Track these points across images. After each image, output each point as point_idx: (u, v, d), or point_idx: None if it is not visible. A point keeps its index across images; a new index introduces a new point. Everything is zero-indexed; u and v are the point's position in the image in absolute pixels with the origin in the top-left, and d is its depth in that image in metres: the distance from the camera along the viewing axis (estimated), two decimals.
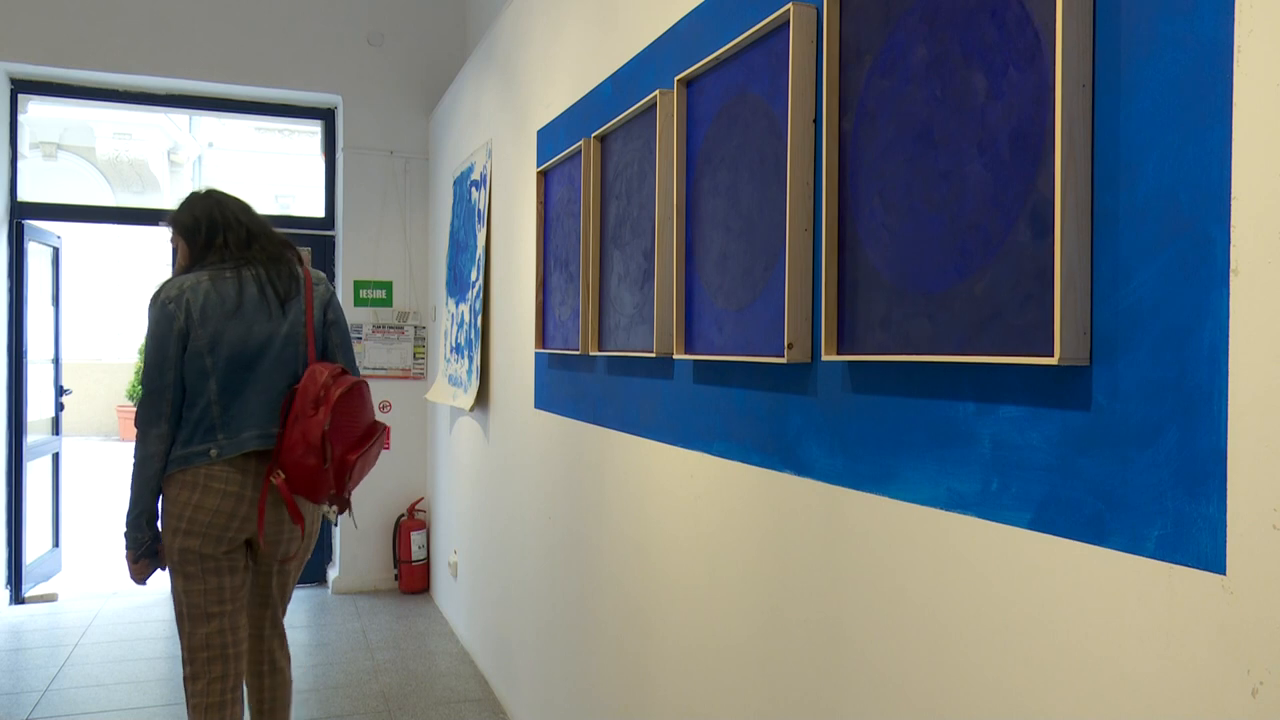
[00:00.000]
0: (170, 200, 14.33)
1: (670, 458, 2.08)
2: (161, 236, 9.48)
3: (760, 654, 1.69)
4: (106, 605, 4.91)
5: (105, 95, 5.13)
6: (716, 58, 1.80)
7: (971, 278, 1.14)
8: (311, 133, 5.65)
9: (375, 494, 5.22)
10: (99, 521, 7.24)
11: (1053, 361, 0.99)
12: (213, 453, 2.35)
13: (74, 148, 13.67)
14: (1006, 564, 1.10)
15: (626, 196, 2.32)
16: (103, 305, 14.03)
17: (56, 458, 5.56)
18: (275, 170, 14.94)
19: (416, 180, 5.31)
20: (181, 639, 2.39)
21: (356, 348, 5.17)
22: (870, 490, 1.36)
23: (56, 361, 5.56)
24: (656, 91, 2.08)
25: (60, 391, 5.62)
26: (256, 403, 2.41)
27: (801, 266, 1.51)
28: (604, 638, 2.51)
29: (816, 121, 1.49)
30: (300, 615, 4.80)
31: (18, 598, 4.92)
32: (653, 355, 2.08)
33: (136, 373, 13.41)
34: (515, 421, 3.44)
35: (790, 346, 1.51)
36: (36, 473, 5.23)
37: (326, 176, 5.47)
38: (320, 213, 5.49)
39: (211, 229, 2.52)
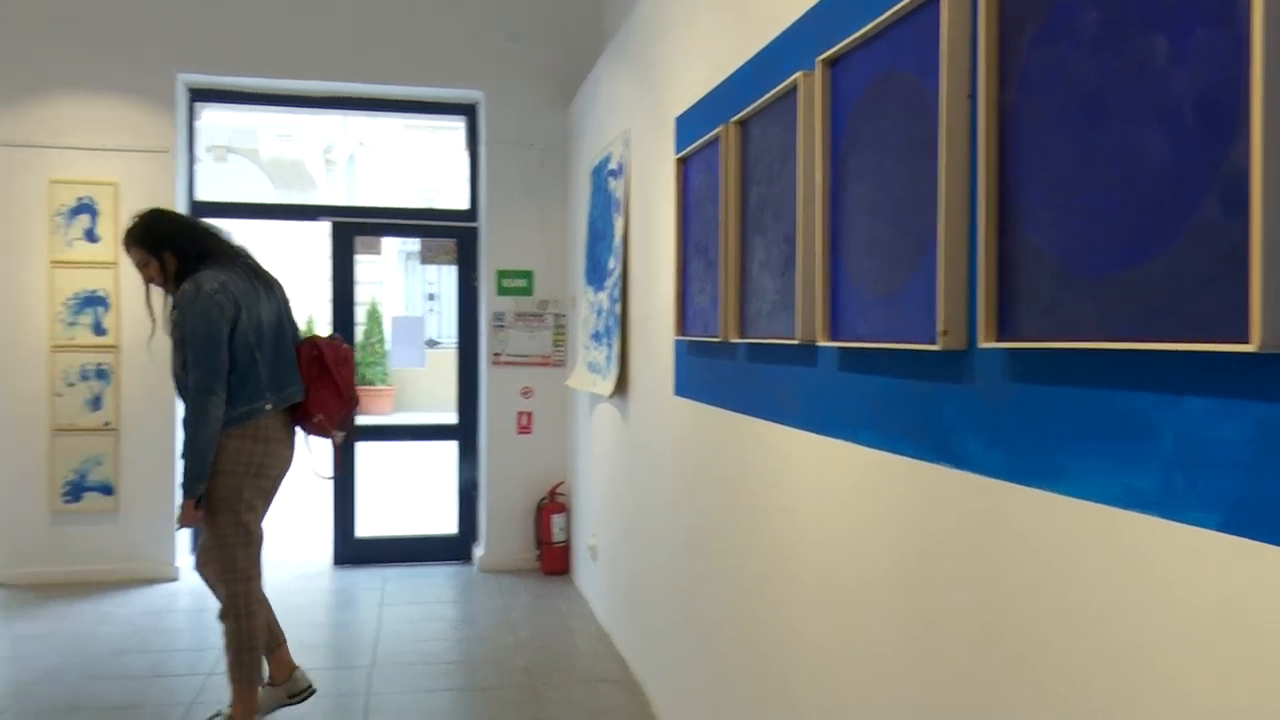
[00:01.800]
0: (326, 197, 15.11)
1: (813, 446, 2.04)
2: (307, 232, 9.96)
3: (910, 661, 1.64)
4: (275, 573, 5.23)
5: (269, 100, 5.45)
6: (861, 36, 1.74)
7: (1150, 259, 1.06)
8: (455, 128, 5.82)
9: (518, 477, 5.36)
10: None
11: (1250, 349, 0.91)
12: (267, 408, 3.01)
13: (241, 150, 14.60)
14: (1193, 567, 1.02)
15: (767, 181, 2.28)
16: None
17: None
18: (422, 165, 15.52)
19: (555, 171, 5.40)
20: (235, 563, 3.00)
21: (500, 335, 5.33)
22: (1034, 485, 1.29)
23: None
24: (798, 74, 2.03)
25: None
26: (285, 366, 3.11)
27: (955, 249, 1.44)
28: (738, 630, 2.50)
29: (972, 96, 1.42)
30: (447, 590, 4.99)
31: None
32: (795, 342, 2.04)
33: None
34: (654, 408, 3.46)
35: (944, 333, 1.45)
36: None
37: (470, 170, 5.63)
38: (464, 205, 5.66)
39: (195, 238, 3.13)
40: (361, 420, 5.63)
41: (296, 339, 3.23)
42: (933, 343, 1.48)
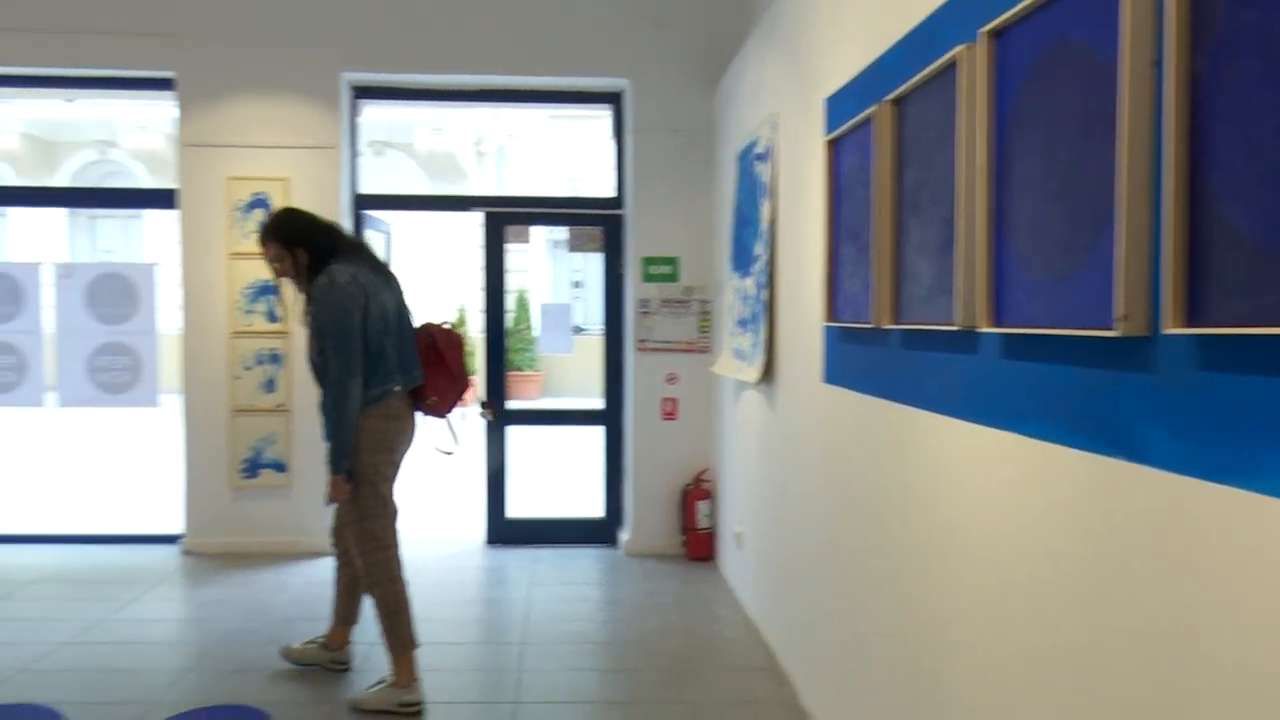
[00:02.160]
0: (477, 188, 15.61)
1: (973, 436, 1.96)
2: (458, 222, 10.28)
3: (1078, 663, 1.55)
4: (432, 550, 5.47)
5: (425, 95, 5.67)
6: (1029, 5, 1.65)
7: None
8: (600, 117, 5.89)
9: (663, 463, 5.41)
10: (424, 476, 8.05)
11: None
12: (396, 389, 3.27)
13: (398, 145, 15.26)
14: None
15: (924, 161, 2.20)
16: (422, 283, 15.57)
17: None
18: (568, 155, 15.80)
19: (700, 157, 5.39)
20: (375, 533, 3.25)
21: (645, 321, 5.38)
22: (1225, 482, 1.19)
23: None
24: (959, 48, 1.94)
25: None
26: (408, 351, 3.36)
27: (1136, 229, 1.35)
28: (890, 625, 2.43)
29: (1158, 64, 1.32)
30: (594, 573, 5.09)
31: None
32: (954, 328, 1.96)
33: None
34: (801, 395, 3.41)
35: (1123, 318, 1.36)
36: None
37: (616, 158, 5.69)
38: (609, 193, 5.73)
39: (326, 234, 3.39)
40: (511, 405, 5.81)
41: (413, 326, 3.46)
42: (1110, 328, 1.39)
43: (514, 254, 5.67)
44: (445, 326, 3.55)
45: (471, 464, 5.90)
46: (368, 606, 3.46)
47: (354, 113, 5.57)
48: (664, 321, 5.40)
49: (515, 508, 5.75)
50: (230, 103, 5.31)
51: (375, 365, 3.21)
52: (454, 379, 3.48)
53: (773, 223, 3.82)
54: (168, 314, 5.51)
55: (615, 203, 5.67)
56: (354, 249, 3.43)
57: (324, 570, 5.05)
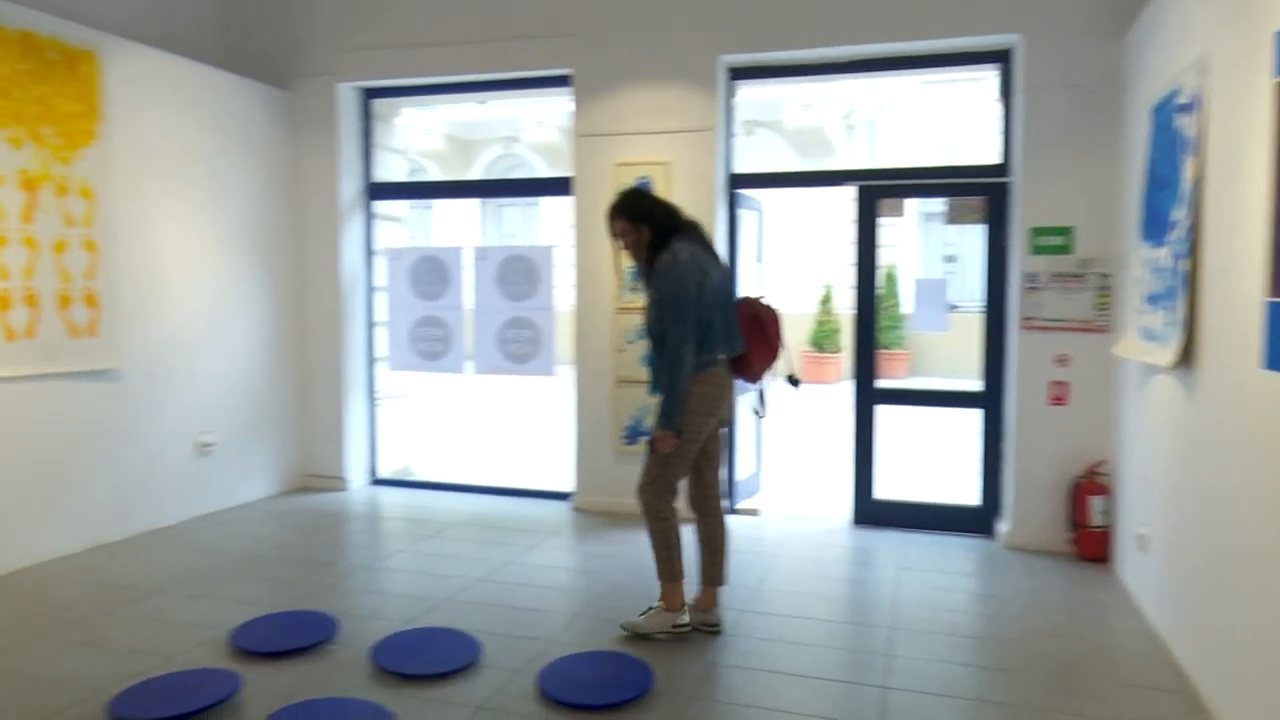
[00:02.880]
0: (845, 162, 15.38)
1: None
2: (824, 198, 10.09)
3: None
4: (798, 525, 5.52)
5: (798, 71, 5.64)
6: None
7: None
8: (978, 80, 5.49)
9: (1049, 452, 4.97)
10: (790, 453, 8.14)
11: None
12: (720, 358, 3.63)
13: (767, 123, 15.46)
14: None
15: None
16: (791, 261, 15.66)
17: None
18: (942, 122, 15.02)
19: (1102, 115, 4.82)
20: (668, 480, 3.64)
21: (1032, 297, 4.96)
22: None
23: None
24: None
25: None
26: (731, 323, 3.70)
27: None
28: None
29: None
30: (969, 563, 4.82)
31: (730, 508, 5.83)
32: None
33: (818, 323, 14.77)
34: (1232, 383, 2.93)
35: None
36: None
37: (1002, 121, 5.28)
38: (993, 159, 5.33)
39: (668, 214, 3.71)
40: (881, 384, 5.65)
41: (734, 300, 3.79)
42: None
43: (884, 229, 5.46)
44: (763, 300, 3.86)
45: (834, 440, 5.85)
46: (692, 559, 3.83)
47: (729, 94, 5.70)
48: (1054, 297, 4.93)
49: (883, 488, 5.60)
50: (618, 94, 5.67)
51: (704, 335, 3.55)
52: (770, 348, 3.80)
53: (1197, 182, 3.32)
54: (562, 292, 6.05)
55: (1000, 170, 5.27)
56: (690, 229, 3.71)
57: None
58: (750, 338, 3.77)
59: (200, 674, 3.30)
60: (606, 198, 5.65)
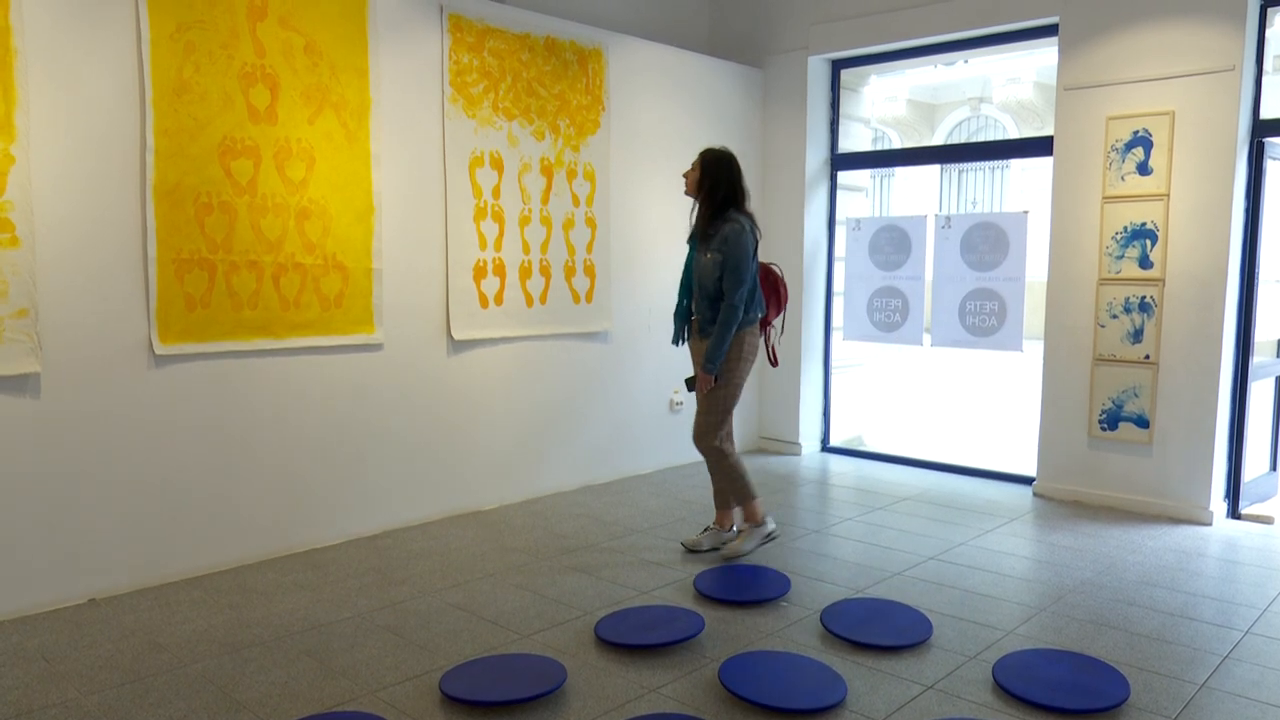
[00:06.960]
0: None
1: None
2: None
3: None
4: None
5: None
6: None
7: None
8: None
9: None
10: None
11: None
12: (759, 316, 4.25)
13: None
14: None
15: None
16: None
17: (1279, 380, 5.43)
18: None
19: None
20: (721, 422, 4.21)
21: None
22: None
23: None
24: None
25: None
26: (759, 289, 4.27)
27: None
28: None
29: None
30: None
31: (1234, 512, 5.03)
32: None
33: None
34: None
35: None
36: (1258, 394, 5.19)
37: None
38: None
39: (736, 186, 4.16)
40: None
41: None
42: None
43: None
44: (774, 265, 4.48)
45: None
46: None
47: (1263, 24, 4.80)
48: None
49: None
50: (1112, 38, 5.07)
51: (751, 295, 4.15)
52: (780, 306, 4.46)
53: None
54: (1035, 261, 5.60)
55: None
56: (744, 201, 4.17)
57: (1186, 539, 4.63)
58: (769, 295, 4.41)
59: (670, 610, 3.64)
60: (1096, 155, 5.13)
